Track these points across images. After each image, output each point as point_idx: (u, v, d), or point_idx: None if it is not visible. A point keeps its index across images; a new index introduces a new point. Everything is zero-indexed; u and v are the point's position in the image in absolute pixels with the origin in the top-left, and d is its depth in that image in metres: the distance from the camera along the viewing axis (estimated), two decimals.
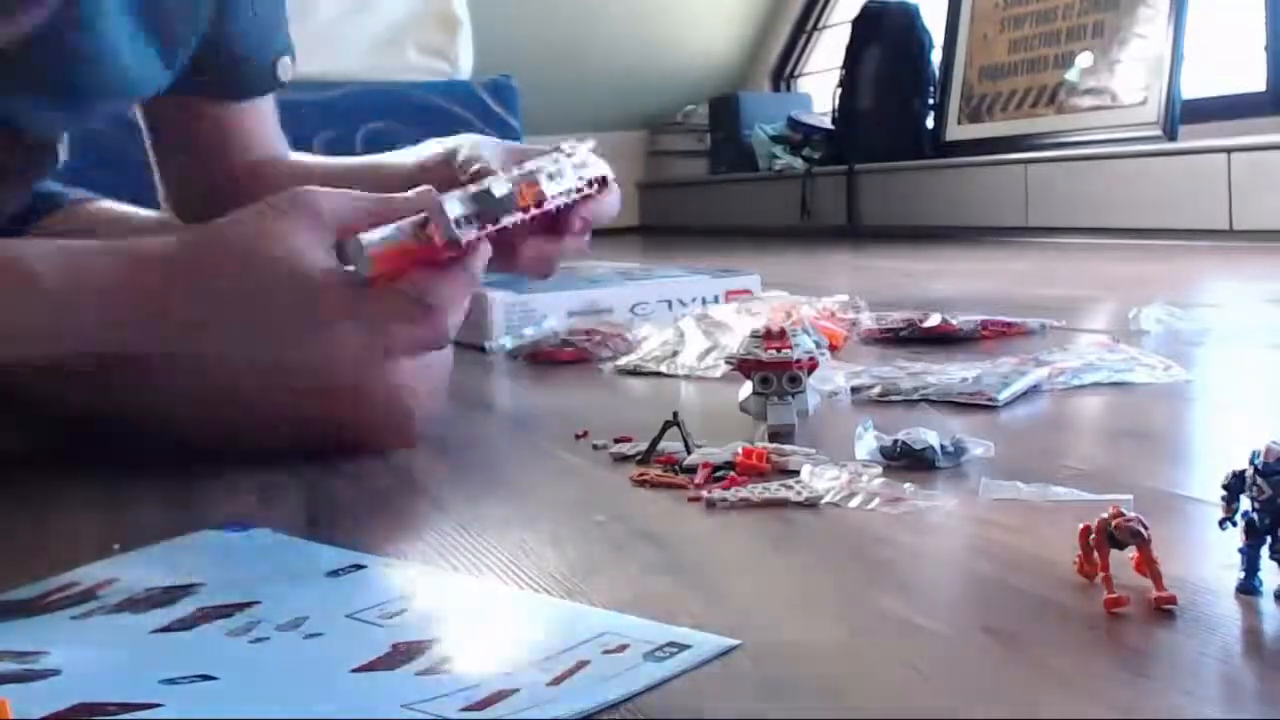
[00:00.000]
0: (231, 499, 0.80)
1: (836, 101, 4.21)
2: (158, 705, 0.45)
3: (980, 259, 2.82)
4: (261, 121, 1.03)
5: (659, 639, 0.50)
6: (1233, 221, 2.72)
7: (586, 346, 1.39)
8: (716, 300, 1.61)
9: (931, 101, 3.99)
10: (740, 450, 0.82)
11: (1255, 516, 0.53)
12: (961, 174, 3.60)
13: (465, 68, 2.47)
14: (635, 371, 1.29)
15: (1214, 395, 1.08)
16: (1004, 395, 1.01)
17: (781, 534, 0.68)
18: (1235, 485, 0.54)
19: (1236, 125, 3.08)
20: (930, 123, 3.97)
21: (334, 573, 0.61)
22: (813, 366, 0.94)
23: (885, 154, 3.92)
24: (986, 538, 0.66)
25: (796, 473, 0.78)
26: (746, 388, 0.93)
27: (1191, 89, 3.18)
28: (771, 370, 0.91)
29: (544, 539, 0.68)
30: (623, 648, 0.49)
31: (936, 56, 3.99)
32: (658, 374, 1.26)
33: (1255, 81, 3.25)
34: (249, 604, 0.56)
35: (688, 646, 0.49)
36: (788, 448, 0.84)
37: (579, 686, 0.46)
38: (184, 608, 0.56)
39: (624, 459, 0.86)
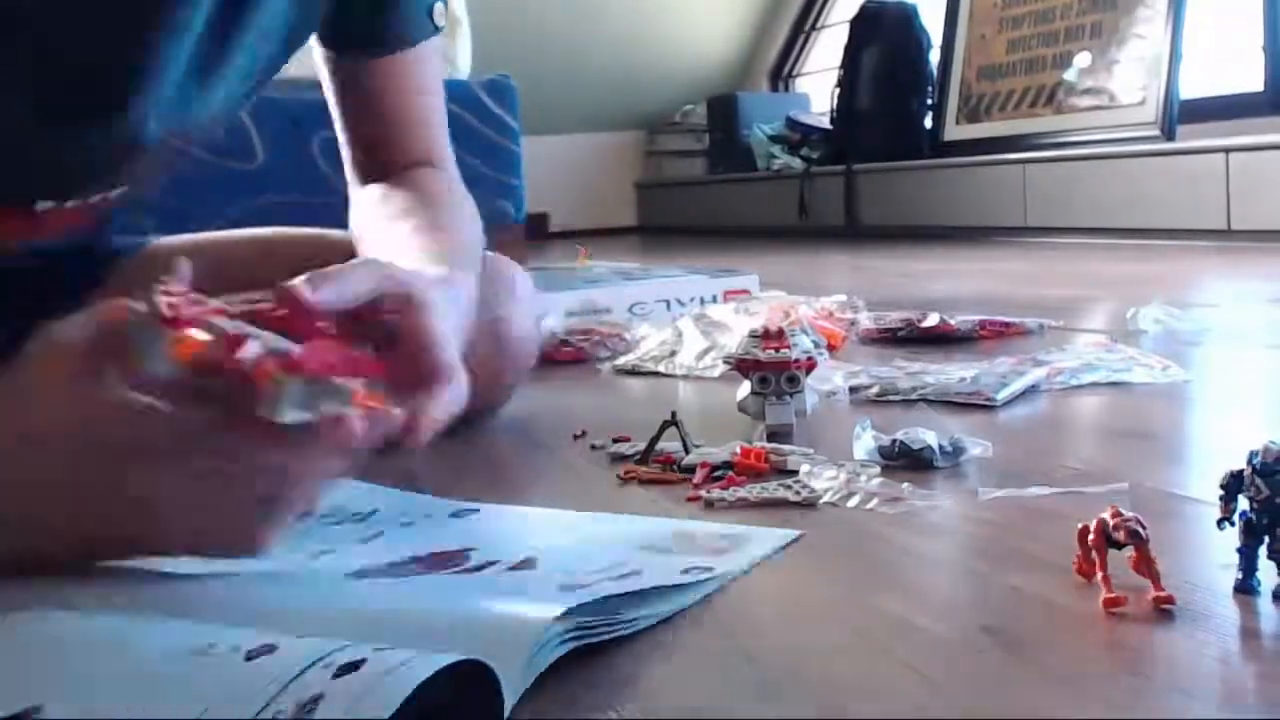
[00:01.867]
0: None
1: (835, 101, 4.21)
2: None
3: (979, 259, 2.82)
4: (421, 88, 0.94)
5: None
6: (1230, 221, 2.72)
7: (585, 346, 1.39)
8: (715, 300, 1.61)
9: (930, 101, 3.99)
10: (738, 449, 0.82)
11: (1253, 516, 0.53)
12: (960, 174, 3.60)
13: (464, 67, 2.47)
14: (633, 371, 1.29)
15: (1212, 395, 1.08)
16: (1002, 395, 1.01)
17: None
18: (1233, 485, 0.54)
19: (1234, 125, 3.08)
20: (928, 123, 3.97)
21: (457, 513, 0.73)
22: (811, 366, 0.94)
23: (883, 154, 3.92)
24: (985, 537, 0.66)
25: (795, 472, 0.78)
26: (745, 387, 0.93)
27: (1189, 89, 3.18)
28: (770, 370, 0.91)
29: None
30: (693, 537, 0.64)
31: (935, 56, 3.99)
32: (656, 374, 1.27)
33: (1253, 81, 3.25)
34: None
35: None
36: (786, 447, 0.84)
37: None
38: (372, 526, 0.70)
39: (622, 458, 0.86)
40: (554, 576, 0.56)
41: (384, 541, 0.66)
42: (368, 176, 0.96)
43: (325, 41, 0.92)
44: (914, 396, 1.05)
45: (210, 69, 0.82)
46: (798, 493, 0.74)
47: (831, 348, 1.31)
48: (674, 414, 0.86)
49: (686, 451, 0.84)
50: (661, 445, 0.85)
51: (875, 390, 1.07)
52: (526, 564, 0.59)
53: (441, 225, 0.85)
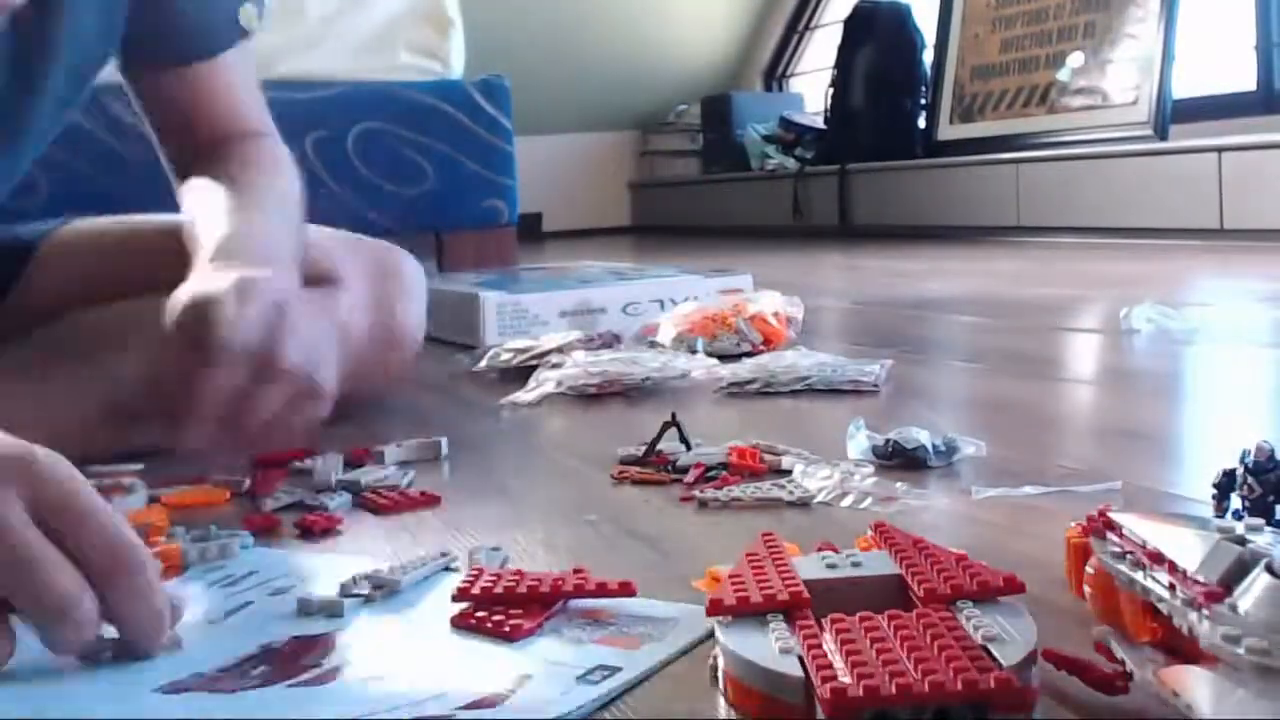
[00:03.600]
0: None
1: (828, 101, 4.21)
2: None
3: (972, 259, 2.82)
4: (230, 84, 0.94)
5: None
6: (1223, 221, 2.73)
7: None
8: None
9: (923, 101, 3.99)
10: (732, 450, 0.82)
11: (1246, 515, 0.53)
12: (953, 174, 3.60)
13: (457, 67, 2.46)
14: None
15: (1204, 394, 1.09)
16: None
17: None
18: (1226, 484, 0.54)
19: (1227, 125, 3.09)
20: (922, 122, 3.97)
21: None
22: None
23: (877, 154, 3.92)
24: (978, 536, 0.66)
25: (789, 472, 0.78)
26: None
27: (1182, 89, 3.19)
28: None
29: (536, 539, 0.68)
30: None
31: (928, 56, 4.00)
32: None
33: (1245, 81, 3.26)
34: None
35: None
36: (780, 446, 0.84)
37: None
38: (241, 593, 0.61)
39: (623, 460, 0.86)
40: (423, 686, 0.47)
41: (241, 619, 0.57)
42: (181, 162, 0.96)
43: (123, 58, 0.92)
44: (800, 387, 1.09)
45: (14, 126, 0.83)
46: (791, 492, 0.74)
47: (769, 343, 1.33)
48: (674, 414, 0.87)
49: (688, 449, 0.84)
50: (661, 446, 0.85)
51: (758, 384, 1.11)
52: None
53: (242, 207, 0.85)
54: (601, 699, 0.45)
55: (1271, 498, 0.54)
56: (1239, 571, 0.38)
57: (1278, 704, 0.36)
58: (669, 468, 0.82)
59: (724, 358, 1.26)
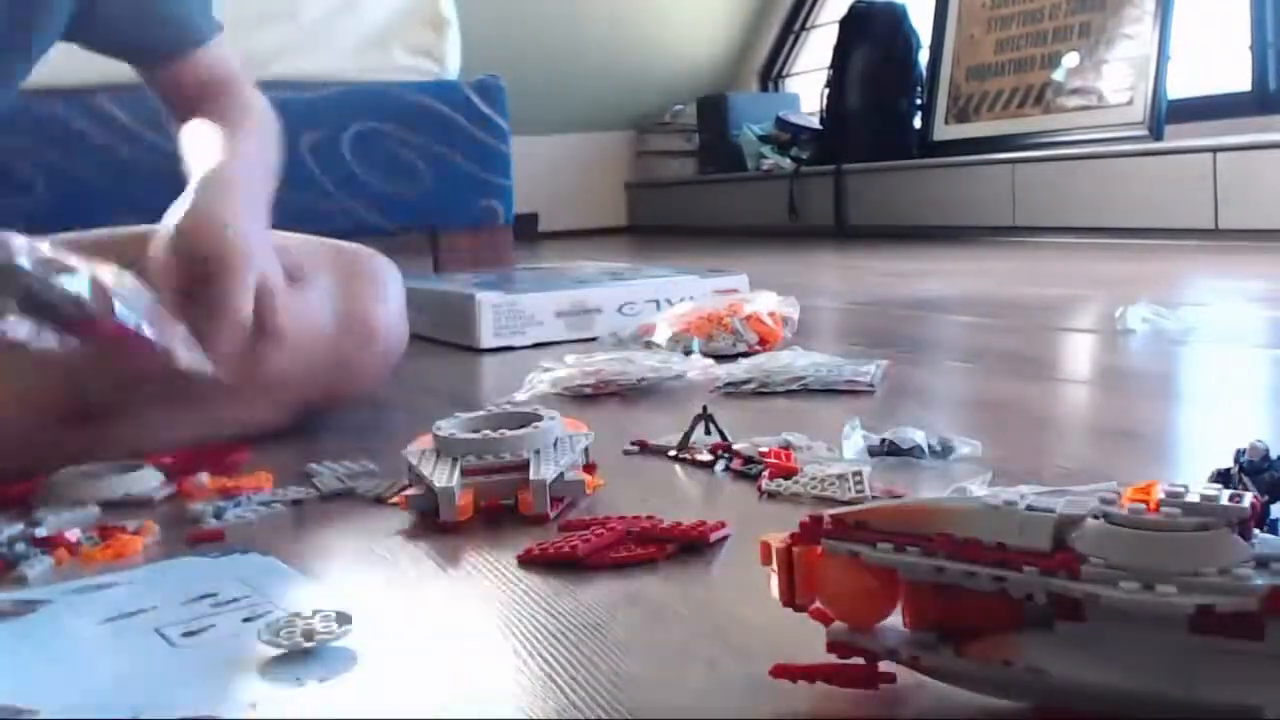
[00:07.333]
0: None
1: (824, 101, 4.22)
2: None
3: (967, 259, 2.82)
4: (223, 63, 1.06)
5: None
6: (1218, 221, 2.73)
7: None
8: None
9: (919, 101, 3.99)
10: (768, 449, 0.81)
11: None
12: (949, 174, 3.60)
13: (453, 67, 2.46)
14: None
15: (1199, 394, 1.09)
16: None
17: (765, 530, 0.68)
18: (1220, 484, 0.54)
19: (1222, 125, 3.09)
20: (918, 123, 3.98)
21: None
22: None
23: (873, 154, 3.93)
24: None
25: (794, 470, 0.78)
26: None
27: (1177, 89, 3.19)
28: None
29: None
30: None
31: (924, 56, 4.00)
32: None
33: (1240, 81, 3.26)
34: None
35: None
36: (799, 441, 0.84)
37: None
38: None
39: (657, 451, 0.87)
40: None
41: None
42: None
43: (129, 58, 1.04)
44: (795, 387, 1.10)
45: None
46: (846, 490, 0.72)
47: (765, 343, 1.33)
48: (705, 408, 0.87)
49: (725, 440, 0.84)
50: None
51: (754, 384, 1.11)
52: None
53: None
54: None
55: (1266, 497, 0.54)
56: (1066, 527, 0.40)
57: (1125, 659, 0.37)
58: (726, 455, 0.82)
59: (720, 358, 1.26)
